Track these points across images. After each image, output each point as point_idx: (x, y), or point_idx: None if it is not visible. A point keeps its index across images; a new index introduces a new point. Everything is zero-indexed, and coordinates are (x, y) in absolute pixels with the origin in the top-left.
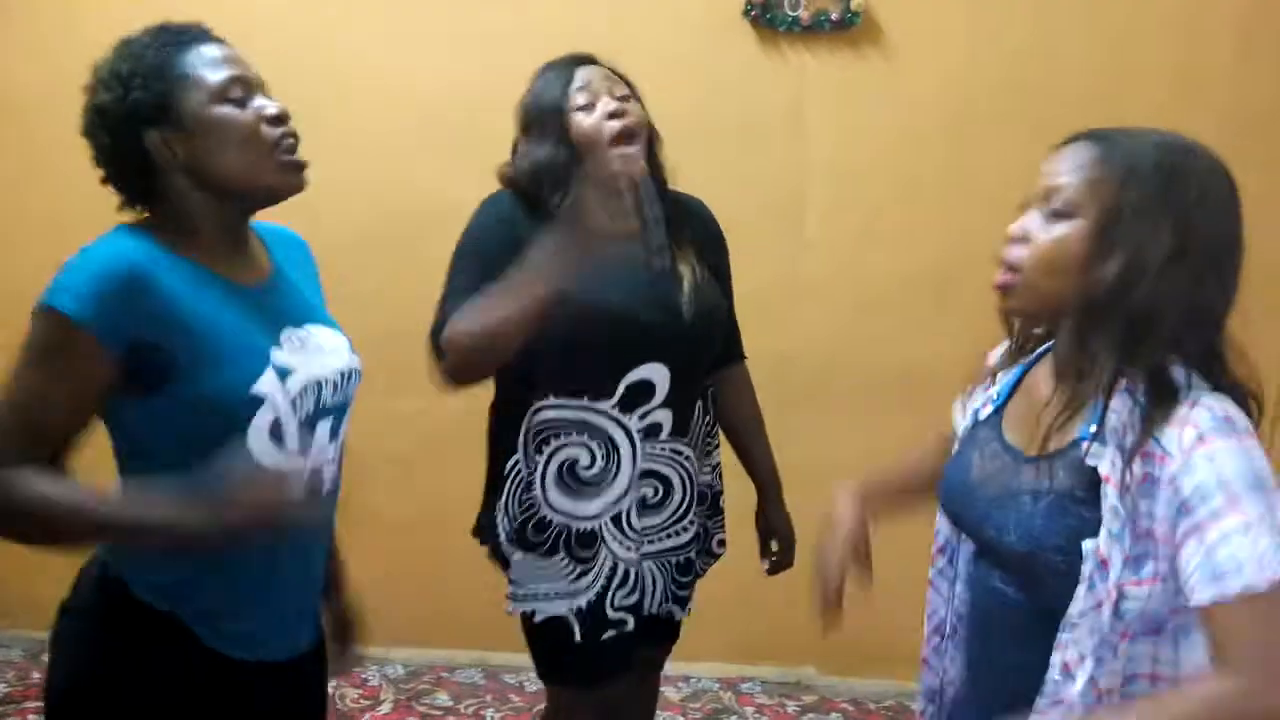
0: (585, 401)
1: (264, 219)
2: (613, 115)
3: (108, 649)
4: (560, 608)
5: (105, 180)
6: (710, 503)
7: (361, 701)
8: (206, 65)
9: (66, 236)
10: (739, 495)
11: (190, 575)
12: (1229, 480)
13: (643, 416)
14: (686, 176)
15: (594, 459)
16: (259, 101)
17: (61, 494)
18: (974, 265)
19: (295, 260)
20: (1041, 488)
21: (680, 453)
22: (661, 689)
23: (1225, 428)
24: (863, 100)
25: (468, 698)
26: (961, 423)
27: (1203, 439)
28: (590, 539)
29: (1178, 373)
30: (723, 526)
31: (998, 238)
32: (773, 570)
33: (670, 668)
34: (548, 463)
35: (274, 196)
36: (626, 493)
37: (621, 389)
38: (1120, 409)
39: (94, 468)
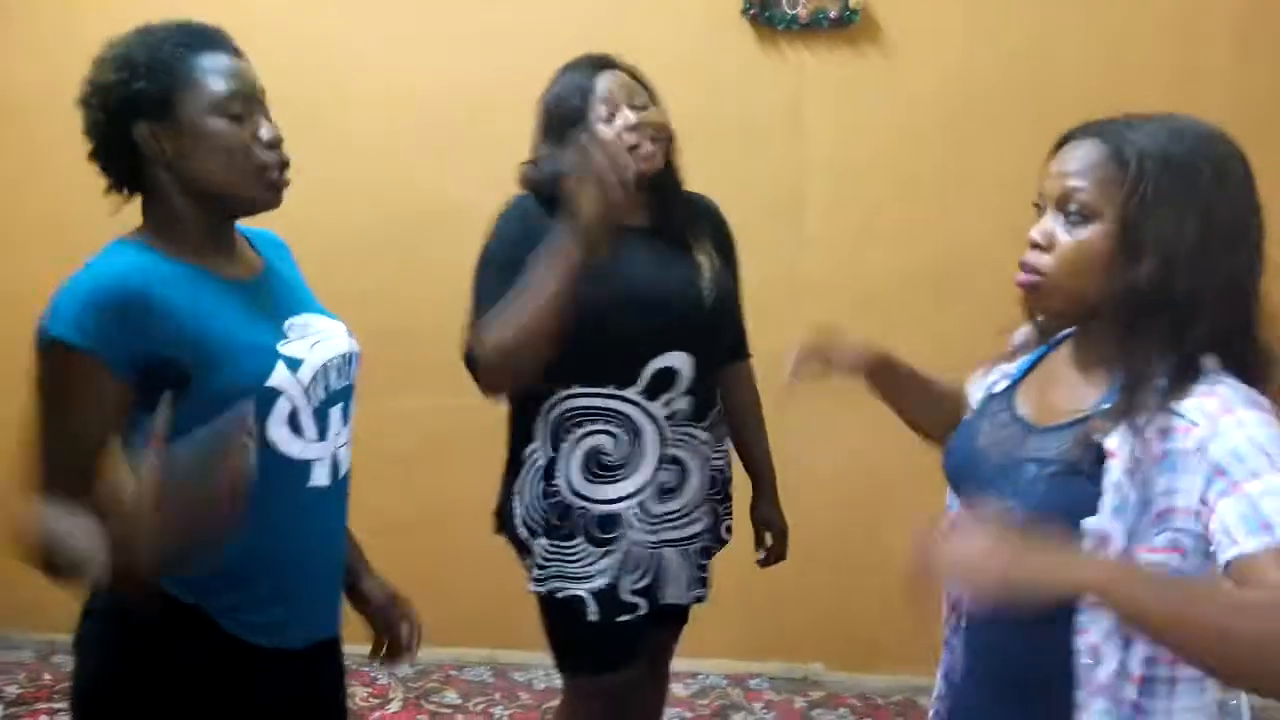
0: (611, 389)
1: (275, 216)
2: (632, 128)
3: (132, 646)
4: (579, 589)
5: (92, 156)
6: (721, 488)
7: (371, 700)
8: (214, 74)
9: (66, 237)
10: (747, 491)
11: (217, 565)
12: (1263, 444)
13: (666, 403)
14: (685, 174)
15: (618, 445)
16: (257, 121)
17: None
18: (973, 262)
19: (282, 257)
20: (1046, 457)
21: (696, 437)
22: (670, 685)
23: (1250, 400)
24: (861, 98)
25: (476, 696)
26: (976, 397)
27: (1228, 408)
28: (612, 523)
29: (1206, 358)
30: (730, 514)
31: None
32: (765, 562)
33: (678, 663)
34: (573, 450)
35: (248, 211)
36: (651, 478)
37: (647, 376)
38: (1127, 390)
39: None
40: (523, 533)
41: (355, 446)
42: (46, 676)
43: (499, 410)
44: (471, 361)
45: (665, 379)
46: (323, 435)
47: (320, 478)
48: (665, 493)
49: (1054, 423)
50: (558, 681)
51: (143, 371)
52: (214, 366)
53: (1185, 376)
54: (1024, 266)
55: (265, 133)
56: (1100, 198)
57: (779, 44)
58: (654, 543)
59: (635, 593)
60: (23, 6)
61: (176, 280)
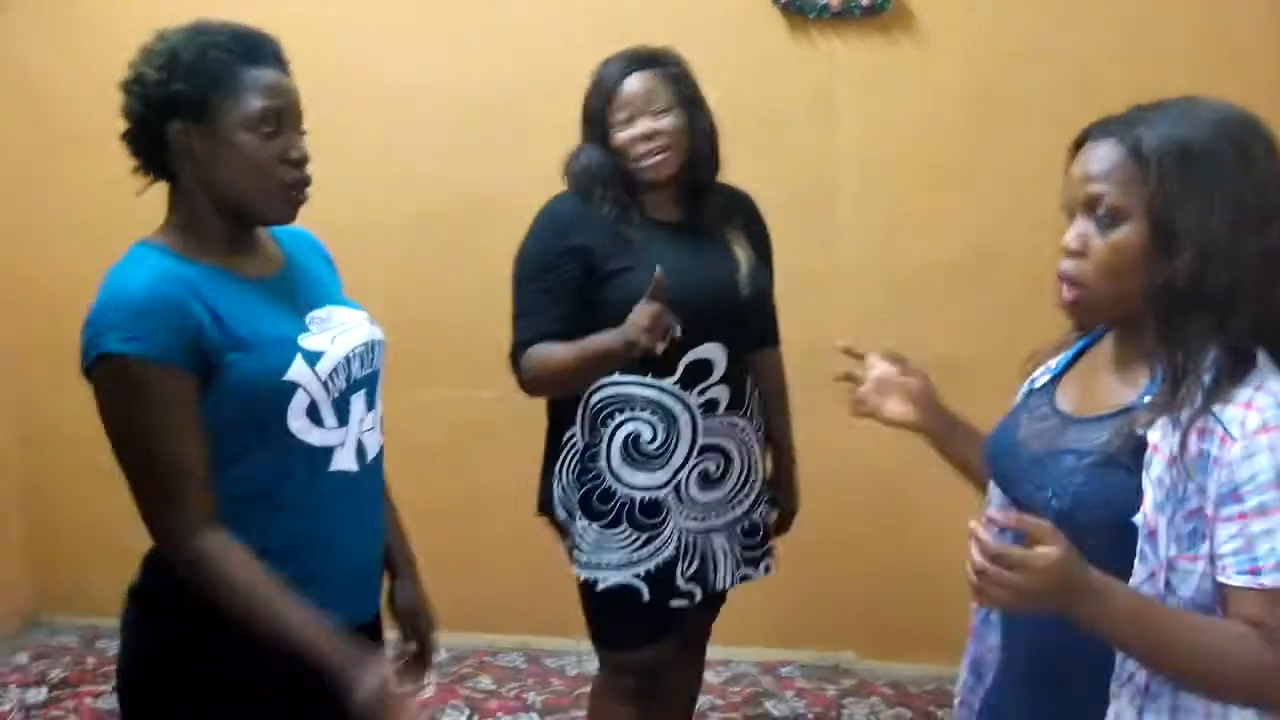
0: (648, 379)
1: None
2: (644, 137)
3: (175, 627)
4: (625, 575)
5: (124, 137)
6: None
7: (405, 686)
8: (254, 89)
9: (97, 232)
10: None
11: (251, 546)
12: None
13: (701, 393)
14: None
15: (655, 433)
16: (288, 138)
17: (242, 584)
18: (1003, 251)
19: (305, 250)
20: (1084, 448)
21: (736, 425)
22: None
23: None
24: (893, 87)
25: (510, 681)
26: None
27: (1266, 426)
28: (655, 509)
29: (1254, 350)
30: (765, 491)
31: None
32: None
33: (710, 652)
34: (612, 436)
35: (263, 223)
36: (685, 465)
37: (682, 367)
38: (1176, 382)
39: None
40: (561, 514)
41: (387, 437)
42: (90, 660)
43: (526, 402)
44: (515, 367)
45: (701, 370)
46: (344, 421)
47: (344, 462)
48: (710, 481)
49: (1094, 414)
50: (590, 668)
51: (200, 364)
52: (235, 362)
53: (1232, 371)
54: (1064, 277)
55: (294, 152)
56: (1126, 198)
57: (810, 33)
58: (702, 530)
59: (690, 579)
60: (56, 5)
61: (199, 281)
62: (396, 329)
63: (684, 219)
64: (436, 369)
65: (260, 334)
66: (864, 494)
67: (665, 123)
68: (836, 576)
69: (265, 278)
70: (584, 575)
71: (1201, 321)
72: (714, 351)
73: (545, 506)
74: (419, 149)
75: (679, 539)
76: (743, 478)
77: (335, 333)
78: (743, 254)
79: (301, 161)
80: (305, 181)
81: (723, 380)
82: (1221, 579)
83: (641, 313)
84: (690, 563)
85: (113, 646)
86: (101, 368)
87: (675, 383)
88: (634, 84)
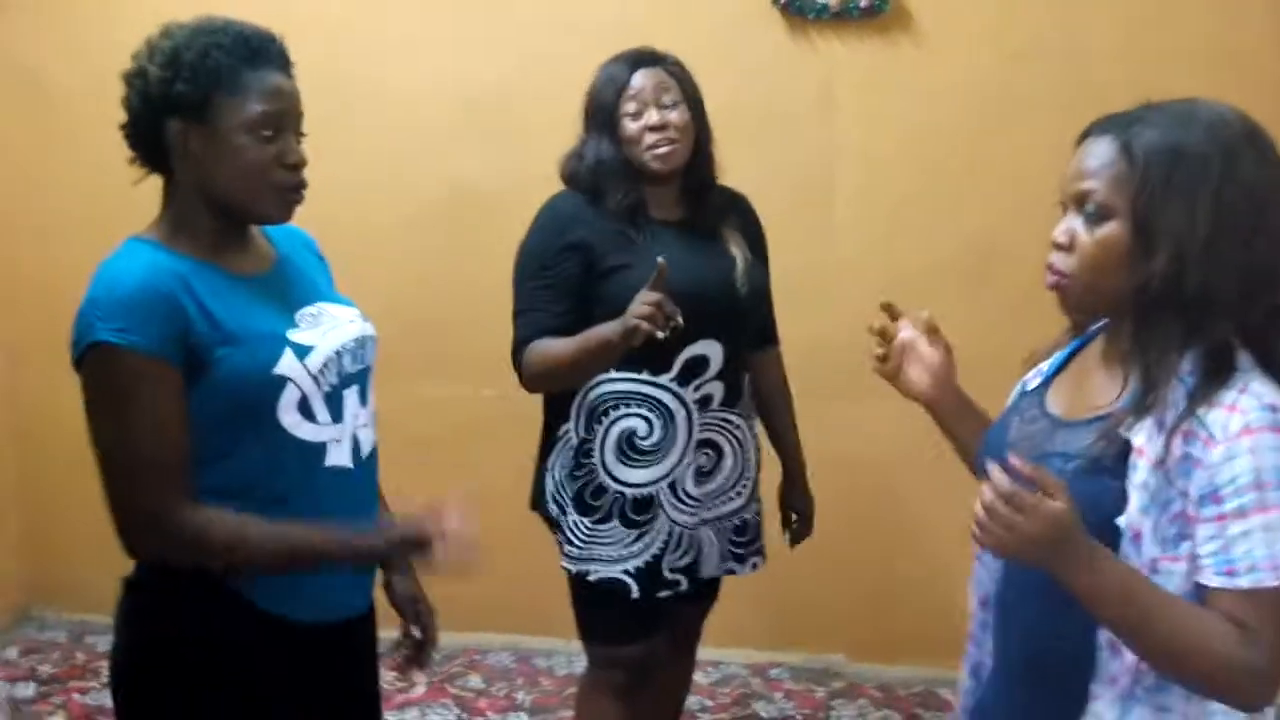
0: (644, 375)
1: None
2: (654, 128)
3: (168, 618)
4: (614, 570)
5: (123, 128)
6: (753, 471)
7: (396, 684)
8: (255, 93)
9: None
10: (765, 482)
11: None
12: (1264, 477)
13: (697, 388)
14: (717, 162)
15: (652, 429)
16: (285, 142)
17: (250, 530)
18: (1002, 251)
19: (297, 249)
20: (1071, 452)
21: (730, 421)
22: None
23: (1272, 419)
24: (892, 88)
25: (499, 681)
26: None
27: (1249, 428)
28: (647, 505)
29: (1236, 351)
30: (757, 495)
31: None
32: (794, 541)
33: (700, 653)
34: (607, 432)
35: (257, 222)
36: (681, 460)
37: (679, 364)
38: (1142, 384)
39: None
40: (553, 509)
41: (382, 432)
42: (79, 656)
43: (524, 400)
44: (516, 364)
45: (697, 366)
46: (338, 418)
47: (339, 458)
48: (701, 475)
49: (1081, 417)
50: (579, 668)
51: (188, 358)
52: (225, 356)
53: (1215, 373)
54: (1051, 268)
55: (290, 156)
56: (1113, 196)
57: (809, 33)
58: (694, 523)
59: (676, 570)
60: (60, 2)
61: (190, 276)
62: (396, 326)
63: (684, 217)
64: (435, 366)
65: (249, 329)
66: (856, 497)
67: (674, 115)
68: (827, 579)
69: (256, 274)
70: (574, 569)
71: (1174, 324)
72: (710, 348)
73: (537, 501)
74: (419, 148)
75: (668, 532)
76: (735, 474)
77: (326, 328)
78: (739, 252)
79: (297, 166)
80: (300, 184)
81: (718, 376)
82: (1200, 580)
83: (643, 300)
84: (679, 555)
85: (103, 642)
86: (92, 357)
87: (672, 379)
88: (643, 78)
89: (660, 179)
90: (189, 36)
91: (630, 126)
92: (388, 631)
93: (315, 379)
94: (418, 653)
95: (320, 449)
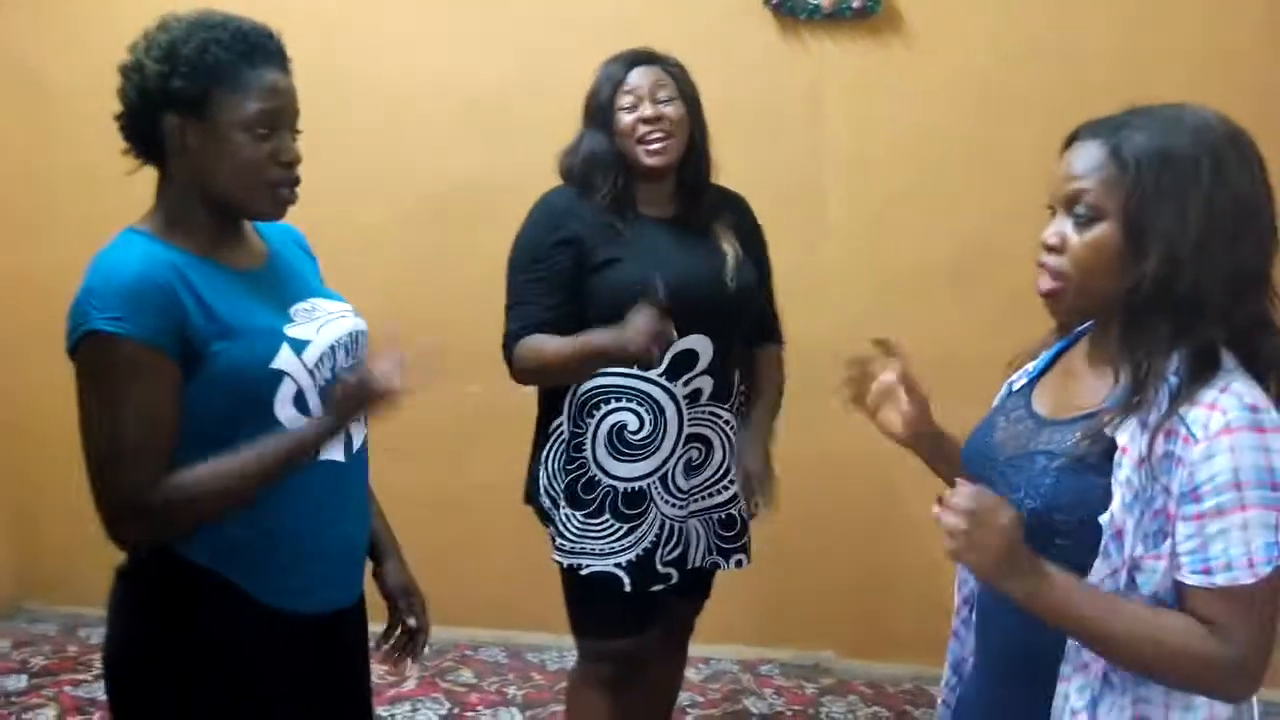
0: (634, 369)
1: (304, 207)
2: (647, 120)
3: (161, 609)
4: (607, 564)
5: (118, 119)
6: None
7: (387, 678)
8: (252, 91)
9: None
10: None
11: (239, 531)
12: (1242, 476)
13: (686, 383)
14: (713, 162)
15: (642, 423)
16: (281, 140)
17: (218, 470)
18: (992, 253)
19: (287, 244)
20: (1056, 450)
21: (719, 416)
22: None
23: (1251, 418)
24: (883, 88)
25: (490, 675)
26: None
27: (1229, 428)
28: (638, 499)
29: (1220, 352)
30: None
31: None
32: (754, 513)
33: (691, 649)
34: (598, 426)
35: (250, 218)
36: (672, 455)
37: (668, 359)
38: (1130, 384)
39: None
40: (545, 502)
41: (379, 428)
42: (71, 649)
43: (518, 397)
44: (506, 356)
45: (686, 361)
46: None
47: (331, 451)
48: (691, 468)
49: (1067, 416)
50: (570, 663)
51: (184, 350)
52: (221, 350)
53: (1199, 373)
54: (1042, 271)
55: (285, 154)
56: (1104, 198)
57: (801, 33)
58: (684, 516)
59: (668, 564)
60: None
61: (186, 269)
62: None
63: (676, 214)
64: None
65: (247, 323)
66: (845, 495)
67: (669, 110)
68: (817, 576)
69: (250, 269)
70: (566, 562)
71: (1164, 325)
72: (699, 343)
73: (531, 495)
74: (413, 144)
75: (660, 526)
76: (724, 467)
77: (320, 323)
78: (730, 249)
79: (292, 163)
80: (294, 181)
81: (707, 371)
82: (1178, 578)
83: (640, 320)
84: (670, 548)
85: (94, 635)
86: (86, 345)
87: (661, 374)
88: (640, 75)
89: (653, 174)
90: (187, 31)
91: (625, 119)
92: (376, 625)
93: (311, 373)
94: (410, 642)
95: None
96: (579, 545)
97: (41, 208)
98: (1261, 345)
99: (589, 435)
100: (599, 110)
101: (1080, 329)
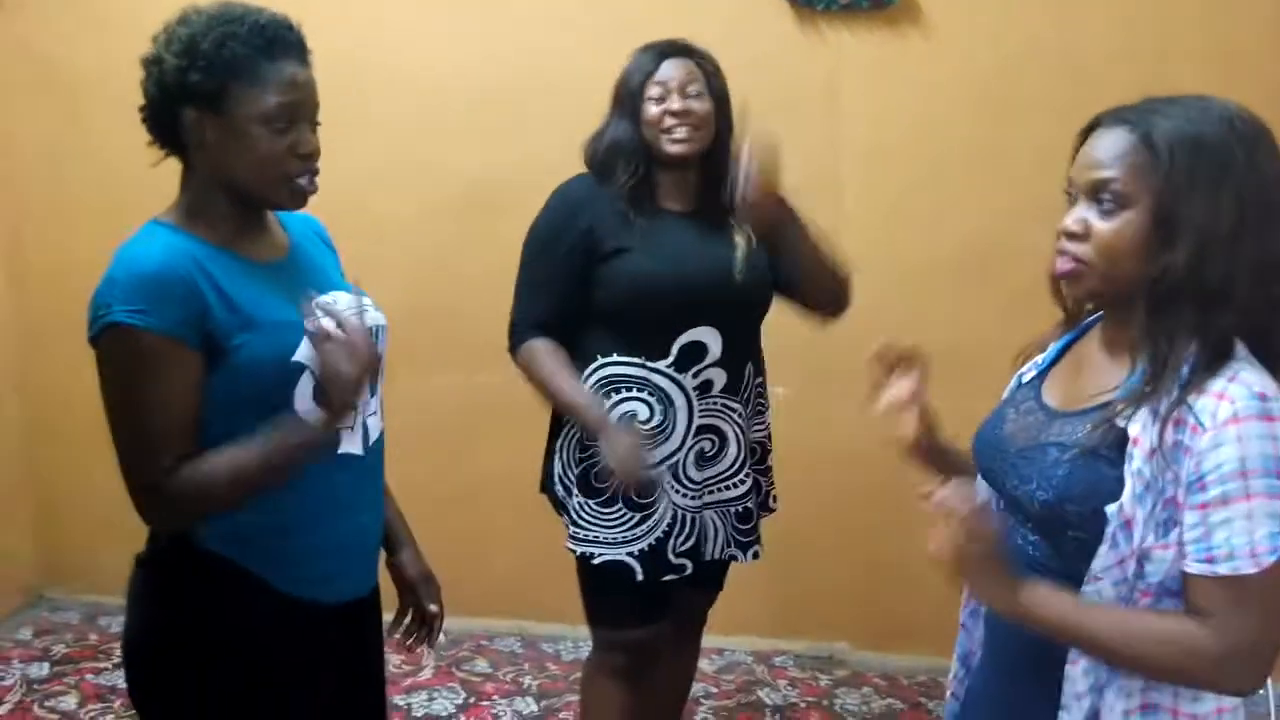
0: (643, 360)
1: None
2: (674, 113)
3: (179, 597)
4: (620, 553)
5: (141, 111)
6: (760, 458)
7: (404, 667)
8: (271, 85)
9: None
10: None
11: (258, 520)
12: (1249, 465)
13: (696, 374)
14: None
15: (652, 413)
16: (299, 133)
17: (231, 461)
18: (1007, 245)
19: (309, 236)
20: (1068, 441)
21: (731, 408)
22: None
23: (1260, 407)
24: (899, 79)
25: (506, 665)
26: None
27: (1236, 417)
28: (650, 488)
29: (1234, 341)
30: (773, 484)
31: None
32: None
33: (705, 640)
34: (609, 416)
35: (271, 209)
36: (682, 445)
37: (676, 350)
38: (1155, 373)
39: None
40: (559, 490)
41: (392, 420)
42: (92, 637)
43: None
44: (510, 342)
45: (695, 352)
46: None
47: (349, 444)
48: (704, 459)
49: (1078, 408)
50: (584, 653)
51: (205, 342)
52: (243, 343)
53: (1211, 362)
54: (1063, 255)
55: (303, 146)
56: (1134, 185)
57: (818, 24)
58: (698, 507)
59: (681, 554)
60: None
61: (208, 262)
62: (407, 314)
63: (692, 206)
64: (444, 353)
65: (268, 316)
66: (859, 486)
67: (697, 104)
68: (831, 568)
69: (272, 261)
70: (579, 550)
71: (1189, 314)
72: (708, 334)
73: (546, 483)
74: (431, 138)
75: (673, 516)
76: (738, 461)
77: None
78: (743, 241)
79: (310, 156)
80: (313, 174)
81: (718, 363)
82: (1183, 567)
83: (623, 448)
84: (683, 538)
85: (115, 623)
86: (108, 337)
87: (670, 365)
88: (672, 66)
89: (674, 165)
90: (206, 24)
91: (652, 110)
92: (390, 615)
93: None
94: (427, 630)
95: (333, 435)
96: (592, 534)
97: (64, 200)
98: (1278, 333)
99: None
100: (627, 98)
101: (1088, 321)
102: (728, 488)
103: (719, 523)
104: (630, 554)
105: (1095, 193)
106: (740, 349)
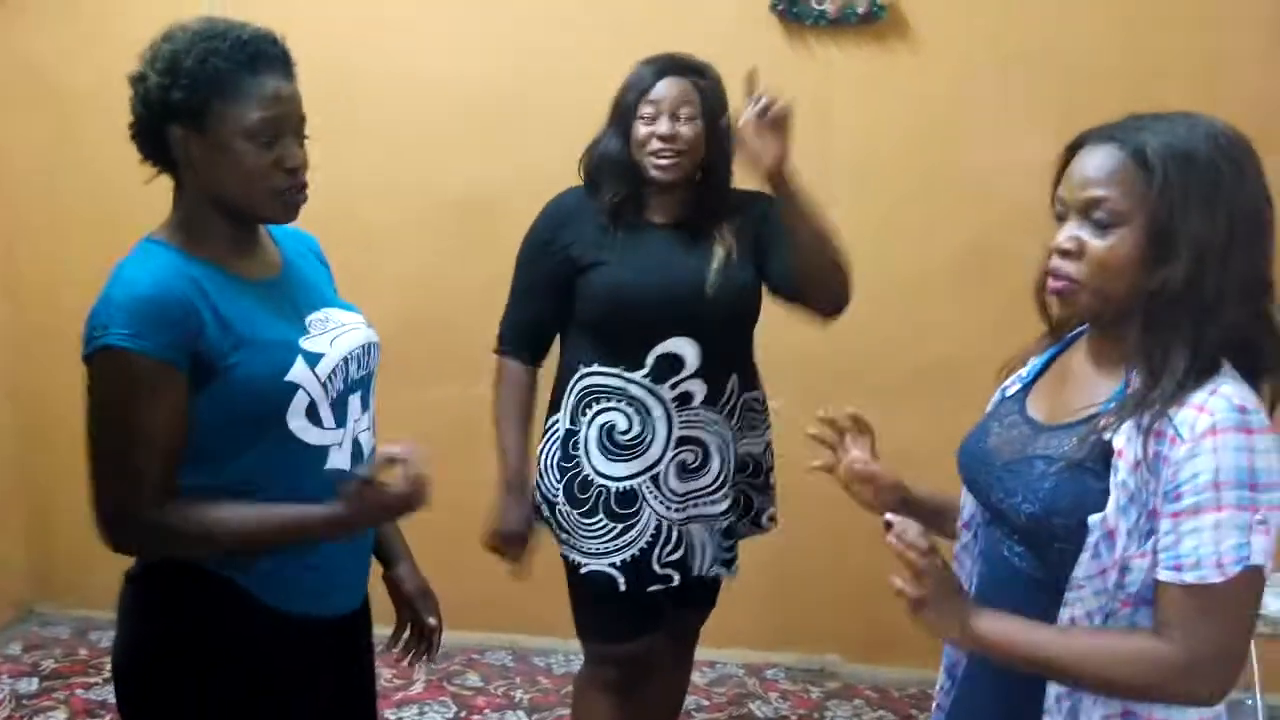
0: (620, 371)
1: (313, 209)
2: (661, 137)
3: (169, 612)
4: (602, 564)
5: (131, 129)
6: (754, 472)
7: (395, 681)
8: (253, 99)
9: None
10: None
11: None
12: (1222, 476)
13: (674, 386)
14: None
15: (630, 424)
16: (285, 146)
17: (221, 518)
18: (996, 259)
19: (302, 253)
20: (1054, 454)
21: (714, 420)
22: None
23: (1238, 420)
24: (888, 94)
25: (497, 679)
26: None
27: (1215, 429)
28: (630, 499)
29: (1218, 354)
30: (773, 501)
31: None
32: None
33: (696, 653)
34: (590, 425)
35: (262, 222)
36: (662, 457)
37: (651, 361)
38: (1143, 387)
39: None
40: (538, 497)
41: (386, 433)
42: (82, 652)
43: None
44: (496, 348)
45: (671, 364)
46: (341, 422)
47: (339, 460)
48: (687, 471)
49: (1064, 421)
50: (577, 667)
51: (194, 366)
52: (239, 362)
53: (1196, 376)
54: (1055, 274)
55: (289, 160)
56: (1128, 202)
57: (807, 39)
58: (681, 519)
59: (667, 565)
60: (67, 4)
61: (204, 281)
62: (400, 325)
63: (674, 219)
64: (438, 365)
65: (263, 336)
66: (850, 499)
67: (685, 129)
68: (822, 580)
69: (265, 280)
70: (569, 556)
71: (1185, 327)
72: (683, 346)
73: (537, 491)
74: (424, 149)
75: (656, 526)
76: (722, 474)
77: (334, 335)
78: (722, 252)
79: (296, 170)
80: (301, 186)
81: (697, 375)
82: (1154, 575)
83: (508, 539)
84: (669, 550)
85: (105, 638)
86: (103, 358)
87: (645, 376)
88: (667, 86)
89: (661, 186)
90: (189, 41)
91: (641, 130)
92: (381, 628)
93: (324, 385)
94: (426, 645)
95: (323, 452)
96: (577, 544)
97: (56, 212)
98: (1263, 348)
99: (582, 433)
100: (622, 113)
101: (1071, 335)
102: (711, 502)
103: (708, 538)
104: (613, 564)
105: (1088, 210)
106: (721, 361)
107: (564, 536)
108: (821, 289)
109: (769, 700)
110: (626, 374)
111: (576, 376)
